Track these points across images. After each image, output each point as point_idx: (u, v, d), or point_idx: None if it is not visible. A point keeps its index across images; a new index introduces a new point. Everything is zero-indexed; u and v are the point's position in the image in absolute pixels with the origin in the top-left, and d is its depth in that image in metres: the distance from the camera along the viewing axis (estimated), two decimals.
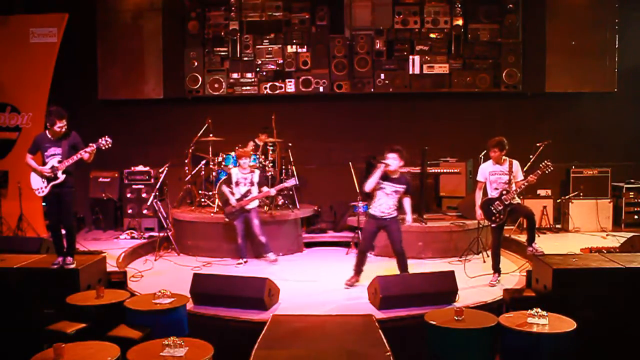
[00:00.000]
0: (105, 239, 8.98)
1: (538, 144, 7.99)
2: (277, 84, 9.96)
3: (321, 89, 9.89)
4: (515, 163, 6.53)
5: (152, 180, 9.28)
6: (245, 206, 7.67)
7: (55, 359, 3.98)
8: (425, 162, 8.41)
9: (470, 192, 8.48)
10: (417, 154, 8.53)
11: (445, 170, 8.86)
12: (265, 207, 8.63)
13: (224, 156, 8.87)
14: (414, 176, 8.69)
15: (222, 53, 10.02)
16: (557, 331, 4.50)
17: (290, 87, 9.92)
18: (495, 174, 6.54)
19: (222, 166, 8.79)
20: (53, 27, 8.94)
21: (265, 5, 9.99)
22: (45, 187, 5.87)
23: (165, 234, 8.54)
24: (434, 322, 4.76)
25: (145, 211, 9.20)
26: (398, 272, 6.54)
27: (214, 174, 8.97)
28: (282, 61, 9.97)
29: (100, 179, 9.64)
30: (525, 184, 6.41)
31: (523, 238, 7.30)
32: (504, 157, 6.53)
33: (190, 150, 9.05)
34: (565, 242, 8.13)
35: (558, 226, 9.34)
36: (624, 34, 9.60)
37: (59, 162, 5.82)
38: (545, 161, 6.36)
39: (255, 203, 7.75)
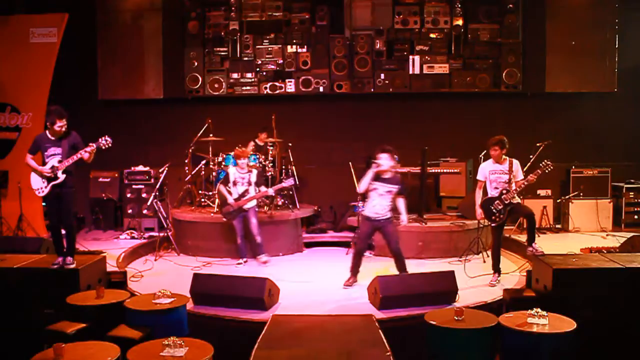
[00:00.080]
0: (105, 239, 8.98)
1: (538, 144, 7.99)
2: (277, 84, 9.96)
3: (321, 89, 9.89)
4: (516, 162, 6.53)
5: (152, 180, 9.28)
6: (243, 206, 7.66)
7: (55, 359, 3.98)
8: (425, 162, 8.41)
9: (470, 192, 8.48)
10: (417, 154, 8.53)
11: (445, 170, 8.87)
12: (265, 207, 8.64)
13: (224, 156, 8.87)
14: (414, 176, 8.71)
15: (222, 53, 10.03)
16: (557, 331, 4.50)
17: (290, 87, 9.92)
18: (495, 173, 6.54)
19: (222, 166, 8.79)
20: (53, 27, 8.94)
21: (265, 5, 9.99)
22: (46, 187, 5.87)
23: (165, 234, 8.53)
24: (434, 322, 4.76)
25: (145, 211, 9.19)
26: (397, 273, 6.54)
27: (214, 174, 8.97)
28: (282, 61, 9.98)
29: (100, 179, 9.64)
30: (525, 183, 6.40)
31: (523, 238, 7.30)
32: (504, 157, 6.53)
33: (190, 150, 9.05)
34: (565, 242, 8.13)
35: (558, 226, 9.34)
36: (624, 34, 9.60)
37: (59, 162, 5.82)
38: (545, 161, 6.36)
39: (253, 203, 7.74)
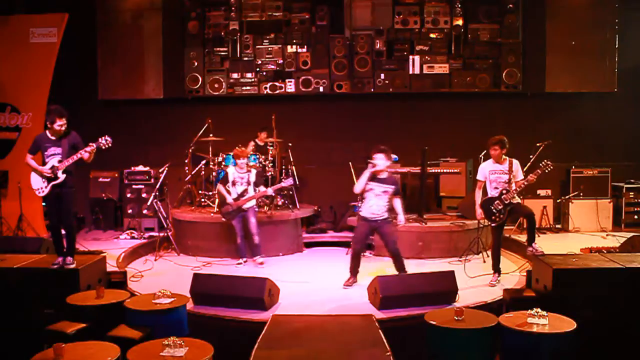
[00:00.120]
0: (105, 239, 8.98)
1: (538, 144, 7.99)
2: (277, 84, 9.96)
3: (321, 89, 9.89)
4: (515, 162, 6.53)
5: (152, 180, 9.28)
6: (242, 206, 7.65)
7: (55, 359, 3.98)
8: (425, 162, 8.41)
9: (470, 192, 8.48)
10: (417, 154, 8.53)
11: (445, 170, 8.86)
12: (265, 207, 8.64)
13: (224, 156, 8.87)
14: (414, 176, 8.72)
15: (222, 53, 10.03)
16: (557, 331, 4.50)
17: (290, 87, 9.93)
18: (495, 173, 6.54)
19: (222, 166, 8.79)
20: (53, 27, 8.94)
21: (265, 5, 9.99)
22: (46, 187, 5.87)
23: (165, 234, 8.53)
24: (434, 322, 4.76)
25: (145, 211, 9.19)
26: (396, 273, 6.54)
27: (214, 174, 8.97)
28: (282, 61, 9.98)
29: (100, 179, 9.64)
30: (525, 183, 6.40)
31: (523, 238, 7.29)
32: (504, 157, 6.53)
33: (190, 150, 9.05)
34: (565, 242, 8.13)
35: (558, 226, 9.34)
36: (624, 34, 9.60)
37: (59, 161, 5.82)
38: (545, 161, 6.36)
39: (252, 202, 7.72)
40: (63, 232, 6.04)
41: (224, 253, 8.17)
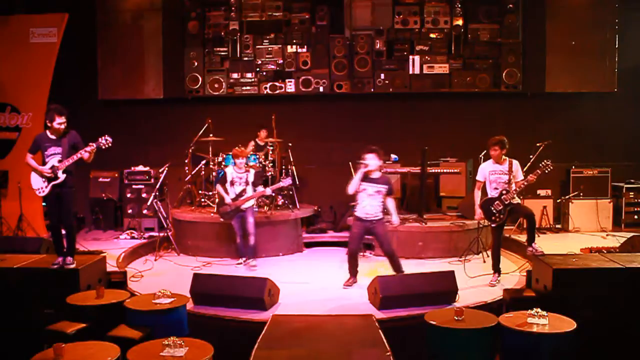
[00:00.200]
0: (105, 239, 8.98)
1: (538, 144, 7.99)
2: (277, 84, 9.96)
3: (321, 89, 9.89)
4: (515, 163, 6.53)
5: (152, 180, 9.27)
6: (241, 206, 7.62)
7: (55, 359, 3.98)
8: (425, 162, 8.41)
9: (470, 192, 8.48)
10: (417, 154, 8.53)
11: (445, 170, 8.86)
12: (265, 207, 8.64)
13: (224, 156, 8.87)
14: (414, 176, 8.72)
15: (222, 53, 10.03)
16: (557, 331, 4.50)
17: (290, 87, 9.93)
18: (495, 174, 6.54)
19: (222, 166, 8.78)
20: (53, 27, 8.94)
21: (265, 5, 9.99)
22: (46, 187, 5.86)
23: (165, 234, 8.53)
24: (434, 322, 4.76)
25: (145, 211, 9.19)
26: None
27: (214, 174, 8.97)
28: (282, 61, 9.98)
29: (100, 179, 9.64)
30: (525, 183, 6.41)
31: (523, 238, 7.29)
32: (503, 157, 6.54)
33: (190, 150, 9.05)
34: (565, 242, 8.13)
35: (558, 226, 9.34)
36: (624, 34, 9.60)
37: (59, 161, 5.82)
38: (545, 161, 6.36)
39: (251, 202, 7.67)
40: (63, 232, 6.04)
41: (224, 253, 8.17)
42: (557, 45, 9.52)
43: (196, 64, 9.95)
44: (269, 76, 10.02)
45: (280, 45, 9.97)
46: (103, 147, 5.90)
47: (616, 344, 5.19)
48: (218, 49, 10.02)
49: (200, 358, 4.04)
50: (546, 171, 6.35)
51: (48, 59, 8.90)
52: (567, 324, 4.60)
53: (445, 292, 5.90)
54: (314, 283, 6.97)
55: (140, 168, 9.48)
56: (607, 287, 5.32)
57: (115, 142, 6.00)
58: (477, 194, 6.70)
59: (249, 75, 10.00)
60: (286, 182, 7.94)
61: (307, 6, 10.00)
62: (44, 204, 7.84)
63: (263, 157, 8.86)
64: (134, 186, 9.41)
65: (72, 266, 5.84)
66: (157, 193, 8.67)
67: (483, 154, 8.39)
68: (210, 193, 8.96)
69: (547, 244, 7.56)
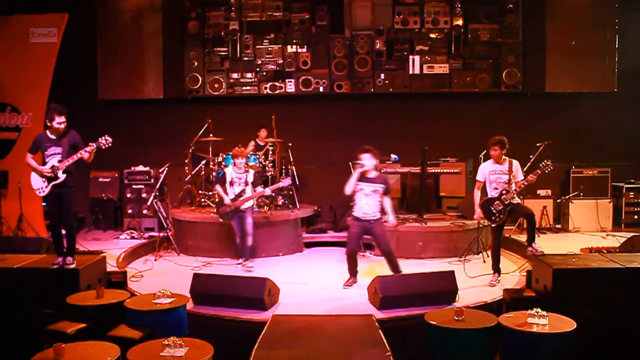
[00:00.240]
0: (105, 239, 8.98)
1: (538, 144, 7.99)
2: (277, 84, 9.96)
3: (321, 89, 9.89)
4: (515, 163, 6.53)
5: (152, 180, 9.27)
6: (240, 206, 7.57)
7: (55, 359, 3.98)
8: (425, 162, 8.41)
9: (470, 192, 8.48)
10: (417, 154, 8.53)
11: (445, 170, 8.86)
12: (265, 207, 8.64)
13: (224, 156, 8.87)
14: (414, 176, 8.72)
15: (222, 53, 10.03)
16: (557, 331, 4.50)
17: (290, 87, 9.93)
18: (495, 174, 6.54)
19: (222, 166, 8.78)
20: (53, 27, 8.94)
21: (265, 5, 9.99)
22: (46, 187, 5.86)
23: (165, 234, 8.53)
24: (434, 322, 4.76)
25: (145, 211, 9.19)
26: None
27: (213, 174, 8.96)
28: (282, 61, 9.98)
29: (100, 179, 9.64)
30: (525, 183, 6.41)
31: (523, 238, 7.29)
32: (504, 157, 6.54)
33: (190, 150, 9.05)
34: (565, 242, 8.13)
35: (558, 226, 9.34)
36: (624, 34, 9.60)
37: (59, 161, 5.82)
38: (545, 161, 6.36)
39: (250, 203, 7.64)
40: (63, 232, 6.04)
41: (224, 253, 8.17)
42: (557, 45, 9.52)
43: (196, 64, 9.95)
44: (269, 76, 10.02)
45: (280, 45, 9.97)
46: (103, 147, 5.90)
47: (616, 344, 5.19)
48: (218, 49, 10.02)
49: (200, 358, 4.04)
50: (546, 171, 6.35)
51: (48, 59, 8.90)
52: (567, 324, 4.60)
53: (445, 292, 5.90)
54: (314, 283, 6.96)
55: (140, 168, 9.48)
56: (607, 287, 5.32)
57: (115, 142, 6.00)
58: (477, 194, 6.70)
59: (249, 75, 10.00)
60: (285, 182, 7.93)
61: (307, 6, 10.00)
62: (44, 204, 7.84)
63: (263, 157, 8.86)
64: (134, 186, 9.41)
65: (72, 266, 5.84)
66: (157, 193, 8.67)
67: (483, 154, 8.39)
68: (210, 193, 8.96)
69: (547, 244, 7.56)
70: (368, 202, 6.47)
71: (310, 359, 4.43)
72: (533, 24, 9.74)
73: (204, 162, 9.13)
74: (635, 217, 9.28)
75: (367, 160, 6.44)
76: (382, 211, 6.58)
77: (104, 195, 9.53)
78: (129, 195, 9.41)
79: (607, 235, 8.76)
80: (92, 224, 9.67)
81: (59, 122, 5.85)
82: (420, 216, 8.37)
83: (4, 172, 8.88)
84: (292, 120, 9.72)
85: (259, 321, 5.39)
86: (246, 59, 10.01)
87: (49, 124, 5.89)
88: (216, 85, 9.95)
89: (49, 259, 6.09)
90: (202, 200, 8.99)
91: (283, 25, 10.02)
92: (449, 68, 9.82)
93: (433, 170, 8.79)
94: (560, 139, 9.10)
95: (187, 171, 9.12)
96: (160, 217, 8.71)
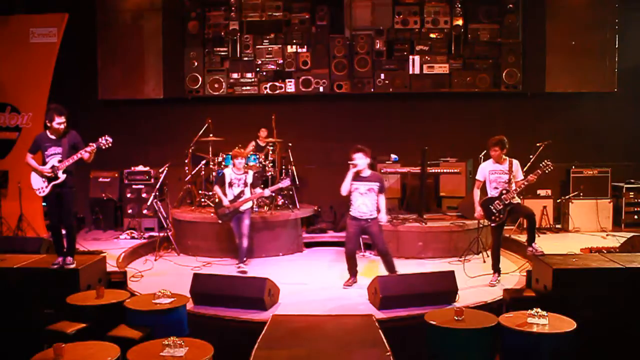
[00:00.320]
0: (105, 239, 8.98)
1: (538, 144, 7.98)
2: (277, 84, 9.96)
3: (321, 89, 9.89)
4: (515, 162, 6.54)
5: (152, 180, 9.28)
6: (239, 207, 7.52)
7: (55, 359, 3.98)
8: (425, 162, 8.41)
9: (470, 192, 8.48)
10: (417, 154, 8.53)
11: (445, 170, 8.86)
12: (265, 207, 8.64)
13: (224, 156, 8.86)
14: (414, 176, 8.72)
15: (222, 53, 10.03)
16: (557, 331, 4.50)
17: (290, 87, 9.93)
18: (495, 173, 6.55)
19: (222, 166, 8.78)
20: (53, 27, 8.94)
21: (265, 5, 10.00)
22: (46, 187, 5.86)
23: (165, 234, 8.53)
24: (434, 322, 4.76)
25: (145, 211, 9.19)
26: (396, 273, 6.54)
27: (214, 174, 8.96)
28: (282, 61, 9.98)
29: (100, 179, 9.64)
30: (525, 183, 6.41)
31: (523, 238, 7.30)
32: (504, 157, 6.54)
33: (190, 150, 9.05)
34: (565, 242, 8.13)
35: (558, 226, 9.34)
36: (624, 34, 9.60)
37: (59, 161, 5.82)
38: (545, 161, 6.37)
39: (249, 204, 7.61)
40: (63, 232, 6.04)
41: (224, 253, 8.17)
42: (557, 45, 9.52)
43: (196, 64, 9.95)
44: (269, 76, 10.02)
45: (280, 45, 9.97)
46: (103, 147, 5.90)
47: (616, 344, 5.19)
48: (218, 49, 10.02)
49: (200, 358, 4.04)
50: (546, 171, 6.36)
51: (48, 59, 8.90)
52: (567, 324, 4.60)
53: (445, 292, 5.90)
54: (314, 283, 6.96)
55: (140, 168, 9.48)
56: (607, 287, 5.31)
57: (115, 142, 5.99)
58: (477, 193, 6.71)
59: (249, 75, 10.00)
60: (285, 183, 7.91)
61: (307, 6, 10.00)
62: (44, 204, 7.84)
63: (263, 157, 8.85)
64: (134, 186, 9.41)
65: (72, 266, 5.84)
66: (157, 193, 8.67)
67: (483, 154, 8.39)
68: (210, 193, 8.95)
69: (547, 244, 7.56)
70: (364, 201, 6.49)
71: (310, 359, 4.42)
72: (533, 24, 9.74)
73: (204, 162, 9.12)
74: (635, 217, 9.28)
75: (360, 160, 6.47)
76: (379, 209, 6.59)
77: (104, 195, 9.53)
78: (129, 195, 9.41)
79: (607, 235, 8.76)
80: (92, 224, 9.67)
81: (59, 122, 5.85)
82: (420, 216, 8.37)
83: (4, 172, 8.88)
84: (292, 120, 9.72)
85: (259, 321, 5.39)
86: (246, 59, 10.01)
87: (48, 125, 5.89)
88: (216, 85, 9.95)
89: (49, 259, 6.09)
90: (202, 200, 8.99)
91: (283, 25, 10.02)
92: (449, 68, 9.83)
93: (433, 170, 8.79)
94: (560, 139, 9.09)
95: (187, 171, 9.12)
96: (160, 217, 8.71)
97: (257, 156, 8.78)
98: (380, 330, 4.88)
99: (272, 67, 10.01)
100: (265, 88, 9.96)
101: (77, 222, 9.04)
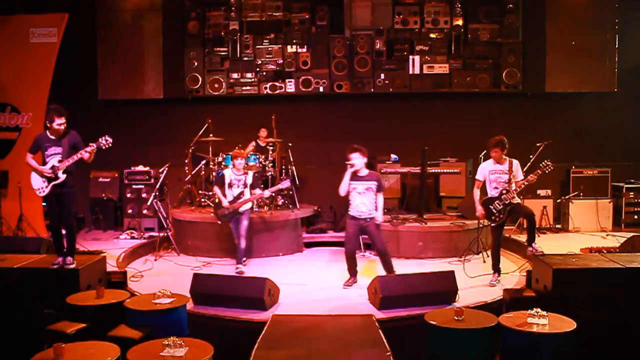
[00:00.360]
0: (105, 239, 8.98)
1: (538, 144, 7.98)
2: (277, 84, 9.96)
3: (321, 89, 9.89)
4: (515, 162, 6.54)
5: (152, 180, 9.27)
6: (239, 208, 7.48)
7: (55, 359, 3.98)
8: (425, 162, 8.41)
9: (470, 192, 8.48)
10: (417, 154, 8.53)
11: (445, 170, 8.86)
12: (265, 207, 8.64)
13: (224, 156, 8.86)
14: (414, 176, 8.72)
15: (222, 53, 10.03)
16: (557, 331, 4.50)
17: (290, 87, 9.93)
18: (495, 173, 6.55)
19: (222, 166, 8.78)
20: (53, 27, 8.94)
21: (265, 5, 9.99)
22: (46, 187, 5.87)
23: (165, 234, 8.53)
24: (434, 322, 4.76)
25: (145, 211, 9.19)
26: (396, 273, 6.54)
27: (214, 174, 8.96)
28: (282, 61, 9.98)
29: (100, 179, 9.64)
30: (525, 183, 6.41)
31: (523, 238, 7.30)
32: (504, 157, 6.54)
33: (190, 150, 9.05)
34: (565, 242, 8.13)
35: (558, 226, 9.34)
36: (624, 34, 9.60)
37: (59, 161, 5.82)
38: (545, 161, 6.37)
39: (248, 205, 7.57)
40: (63, 232, 6.04)
41: (224, 253, 8.17)
42: (557, 45, 9.52)
43: (196, 64, 9.95)
44: (269, 76, 10.02)
45: (280, 45, 9.97)
46: (103, 147, 5.90)
47: (616, 344, 5.19)
48: (218, 49, 10.02)
49: (200, 358, 4.04)
50: (546, 171, 6.36)
51: (48, 59, 8.90)
52: (567, 324, 4.60)
53: (445, 292, 5.90)
54: (314, 283, 6.96)
55: (140, 168, 9.48)
56: (607, 287, 5.32)
57: (115, 142, 5.99)
58: (477, 193, 6.71)
59: (249, 75, 10.00)
60: (285, 184, 7.91)
61: (307, 6, 10.00)
62: (44, 204, 7.84)
63: (263, 157, 8.85)
64: (134, 186, 9.41)
65: (72, 266, 5.84)
66: (157, 193, 8.67)
67: (483, 154, 8.39)
68: (210, 193, 8.95)
69: (547, 244, 7.56)
70: (363, 200, 6.49)
71: (310, 359, 4.43)
72: (533, 24, 9.74)
73: (204, 162, 9.12)
74: (635, 217, 9.28)
75: (357, 160, 6.48)
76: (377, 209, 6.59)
77: (104, 195, 9.53)
78: (129, 195, 9.41)
79: (607, 235, 8.76)
80: (92, 224, 9.67)
81: (59, 123, 5.85)
82: (420, 216, 8.37)
83: (4, 172, 8.88)
84: (292, 120, 9.72)
85: (259, 321, 5.39)
86: (246, 59, 10.01)
87: (48, 125, 5.89)
88: (216, 85, 9.96)
89: (49, 259, 6.09)
90: (202, 200, 8.99)
91: (283, 25, 10.02)
92: (449, 68, 9.82)
93: (433, 170, 8.80)
94: (560, 139, 9.10)
95: (187, 171, 9.12)
96: (160, 217, 8.72)
97: (257, 156, 8.78)
98: (380, 330, 4.88)
99: (272, 67, 10.01)
100: (265, 88, 9.96)
101: (77, 222, 9.04)
